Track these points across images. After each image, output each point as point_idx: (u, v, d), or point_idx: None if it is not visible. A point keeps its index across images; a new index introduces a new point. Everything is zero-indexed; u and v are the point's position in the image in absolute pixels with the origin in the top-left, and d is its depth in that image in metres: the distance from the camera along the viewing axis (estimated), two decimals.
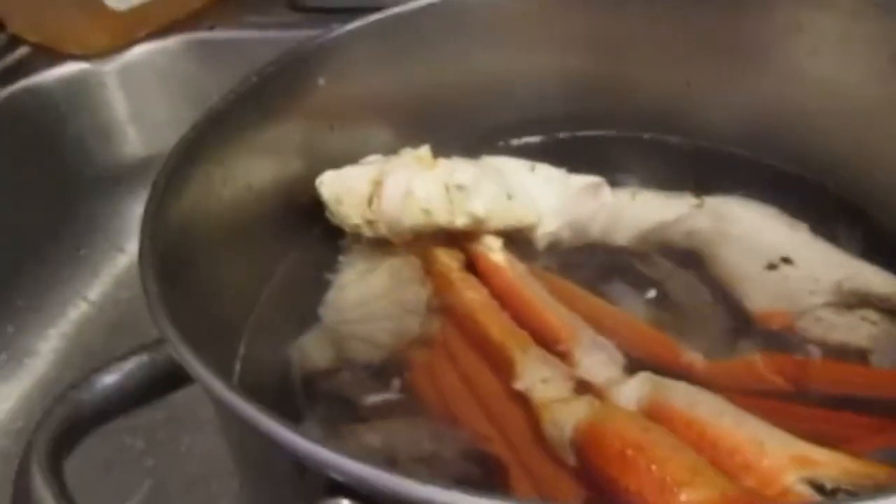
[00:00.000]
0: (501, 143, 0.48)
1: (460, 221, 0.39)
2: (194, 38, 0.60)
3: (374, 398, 0.37)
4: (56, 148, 0.59)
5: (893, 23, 0.36)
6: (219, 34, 0.60)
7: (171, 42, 0.60)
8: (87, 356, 0.54)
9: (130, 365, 0.26)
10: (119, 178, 0.61)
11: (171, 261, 0.28)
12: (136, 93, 0.59)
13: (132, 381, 0.25)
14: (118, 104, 0.59)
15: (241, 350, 0.37)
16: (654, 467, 0.28)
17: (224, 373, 0.36)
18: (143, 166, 0.61)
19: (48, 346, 0.54)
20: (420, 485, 0.20)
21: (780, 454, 0.28)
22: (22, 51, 0.58)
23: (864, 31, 0.37)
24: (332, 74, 0.41)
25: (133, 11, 0.57)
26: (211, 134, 0.34)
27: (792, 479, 0.27)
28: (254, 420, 0.22)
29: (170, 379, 0.26)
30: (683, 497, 0.27)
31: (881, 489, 0.26)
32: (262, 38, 0.60)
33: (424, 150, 0.41)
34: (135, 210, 0.62)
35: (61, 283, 0.58)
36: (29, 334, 0.54)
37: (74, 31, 0.57)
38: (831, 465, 0.28)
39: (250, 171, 0.38)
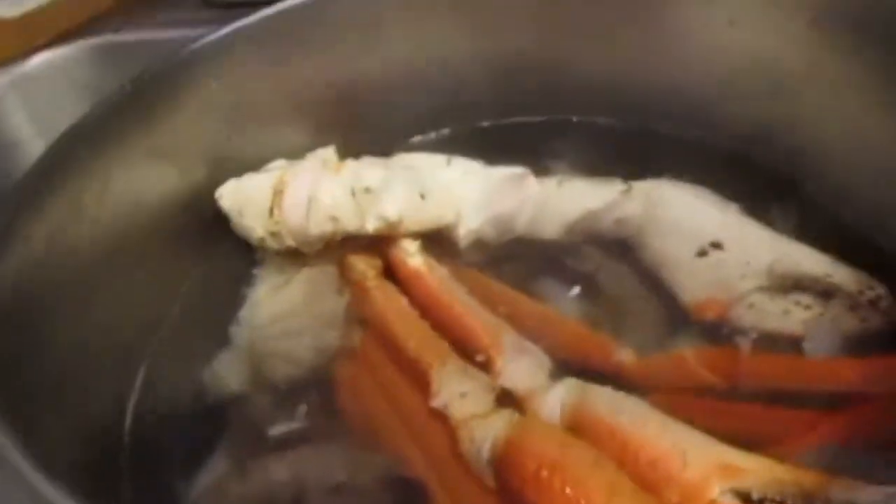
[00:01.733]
0: (418, 138, 0.45)
1: (371, 226, 0.37)
2: (98, 43, 0.56)
3: (288, 423, 0.34)
4: None
5: None
6: (126, 36, 0.57)
7: (74, 48, 0.56)
8: None
9: None
10: None
11: (17, 309, 0.25)
12: (38, 105, 0.55)
13: None
14: (20, 118, 0.55)
15: (138, 381, 0.34)
16: (568, 489, 0.25)
17: (117, 405, 0.34)
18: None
19: None
20: None
21: (704, 464, 0.26)
22: None
23: None
24: (226, 75, 0.38)
25: (27, 17, 0.53)
26: (74, 153, 0.31)
27: (717, 492, 0.25)
28: None
29: None
30: None
31: (807, 497, 0.24)
32: (172, 38, 0.56)
33: (329, 152, 0.38)
34: None
35: None
36: None
37: None
38: (758, 472, 0.26)
39: (137, 186, 0.35)
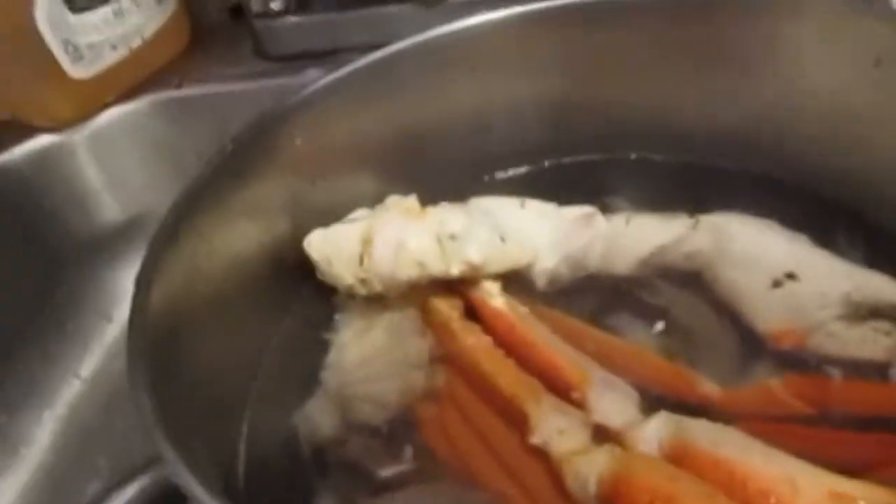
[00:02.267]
0: (487, 178, 0.47)
1: (456, 270, 0.38)
2: (162, 98, 0.58)
3: (388, 464, 0.36)
4: (32, 223, 0.57)
5: (875, 26, 0.35)
6: (187, 91, 0.59)
7: (139, 104, 0.58)
8: (84, 436, 0.52)
9: (130, 492, 0.24)
10: (99, 246, 0.59)
11: (161, 354, 0.27)
12: (108, 159, 0.58)
13: None
14: (91, 172, 0.58)
15: (245, 429, 0.36)
16: None
17: (228, 458, 0.35)
18: (122, 232, 0.60)
19: (44, 430, 0.52)
20: None
21: (815, 492, 0.27)
22: None
23: (847, 35, 0.36)
24: (309, 131, 0.40)
25: (97, 77, 0.56)
26: (190, 212, 0.33)
27: None
28: None
29: (171, 500, 0.25)
30: None
31: None
32: (231, 91, 0.59)
33: (412, 201, 0.40)
34: (119, 277, 0.61)
35: (52, 361, 0.56)
36: (23, 421, 0.52)
37: (40, 103, 0.56)
38: (870, 499, 0.27)
39: (234, 240, 0.37)
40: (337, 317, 0.42)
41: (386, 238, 0.38)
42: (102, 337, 0.59)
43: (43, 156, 0.56)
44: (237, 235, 0.37)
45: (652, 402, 0.35)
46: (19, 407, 0.53)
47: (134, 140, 0.58)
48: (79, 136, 0.57)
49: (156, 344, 0.27)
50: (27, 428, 0.52)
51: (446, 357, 0.39)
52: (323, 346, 0.41)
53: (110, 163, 0.58)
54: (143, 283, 0.28)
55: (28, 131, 0.56)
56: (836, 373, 0.34)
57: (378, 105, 0.43)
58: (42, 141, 0.56)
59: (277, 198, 0.40)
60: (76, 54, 0.53)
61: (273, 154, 0.39)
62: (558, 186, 0.45)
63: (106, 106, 0.58)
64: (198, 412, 0.30)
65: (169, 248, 0.31)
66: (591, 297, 0.41)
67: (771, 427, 0.33)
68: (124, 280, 0.61)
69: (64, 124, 0.57)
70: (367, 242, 0.38)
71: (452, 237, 0.38)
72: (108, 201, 0.59)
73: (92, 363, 0.57)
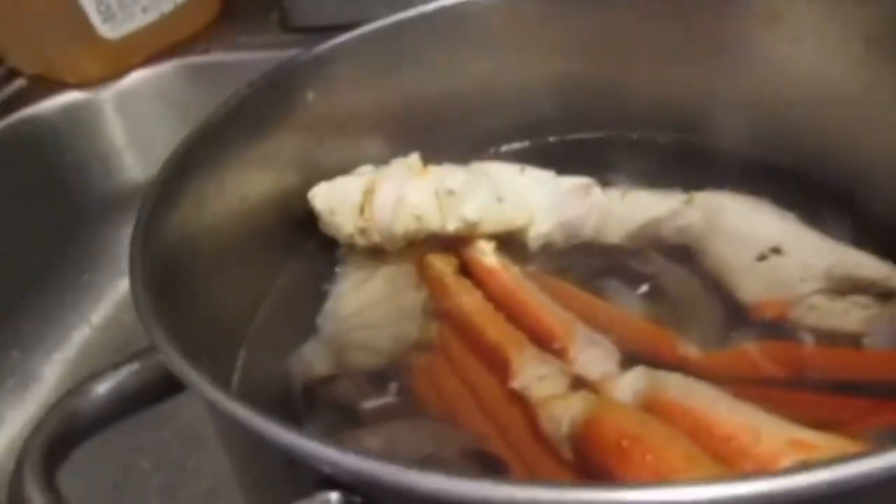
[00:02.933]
0: (492, 150, 0.49)
1: (452, 226, 0.40)
2: (189, 63, 0.61)
3: (373, 402, 0.37)
4: (56, 177, 0.60)
5: (866, 8, 0.36)
6: (213, 57, 0.61)
7: (167, 67, 0.61)
8: None
9: (124, 373, 0.26)
10: (119, 203, 0.62)
11: (162, 271, 0.29)
12: (133, 119, 0.60)
13: (125, 388, 0.26)
14: (116, 131, 0.60)
15: (240, 363, 0.38)
16: (648, 457, 0.28)
17: (221, 382, 0.37)
18: (143, 191, 0.62)
19: (53, 371, 0.55)
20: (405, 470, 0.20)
21: (776, 439, 0.28)
22: (19, 83, 0.60)
23: (841, 16, 0.37)
24: (322, 88, 0.42)
25: (126, 39, 0.58)
26: (202, 146, 0.35)
27: (788, 464, 0.27)
28: (242, 417, 0.23)
29: (162, 386, 0.27)
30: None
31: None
32: (256, 59, 0.61)
33: (414, 159, 0.42)
34: None
35: (66, 308, 0.59)
36: (34, 360, 0.55)
37: (70, 61, 0.58)
38: (827, 448, 0.28)
39: (243, 184, 0.39)
40: (337, 270, 0.44)
41: (387, 190, 0.39)
42: (116, 289, 0.61)
43: (71, 111, 0.59)
44: (246, 179, 0.39)
45: (632, 361, 0.36)
46: (32, 346, 0.55)
47: (159, 102, 0.61)
48: (106, 95, 0.59)
49: (158, 254, 0.29)
50: (38, 366, 0.54)
51: (439, 310, 0.41)
52: (322, 296, 0.43)
53: (135, 123, 0.61)
54: (151, 194, 0.30)
55: (58, 87, 0.59)
56: (810, 340, 0.35)
57: (387, 71, 0.44)
58: (71, 97, 0.59)
59: (287, 150, 0.42)
60: (108, 14, 0.56)
61: (286, 107, 0.40)
62: (560, 161, 0.46)
63: (134, 67, 0.60)
64: (193, 333, 0.31)
65: (178, 173, 0.33)
66: (583, 262, 0.43)
67: (745, 389, 0.34)
68: None
69: (93, 82, 0.59)
70: (369, 193, 0.40)
71: (450, 193, 0.39)
72: (131, 160, 0.61)
73: (103, 313, 0.59)
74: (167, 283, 0.29)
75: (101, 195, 0.61)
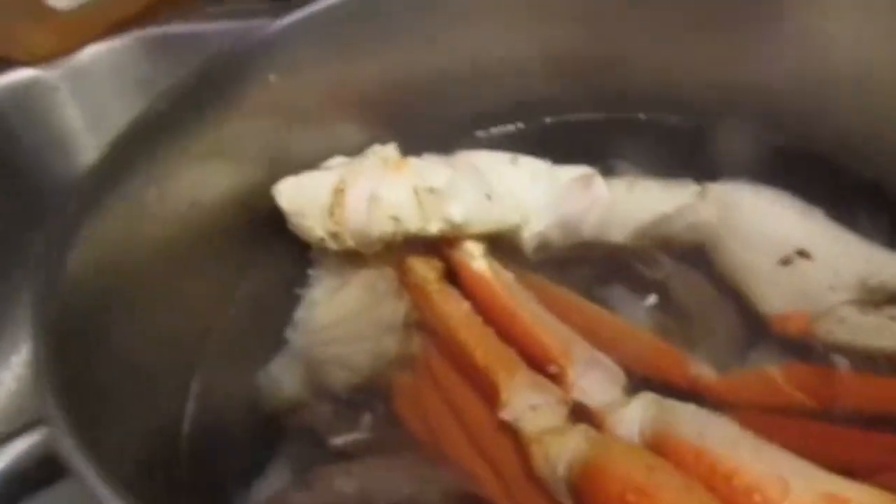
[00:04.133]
0: (481, 133, 0.44)
1: (435, 228, 0.35)
2: (149, 35, 0.55)
3: (350, 433, 0.33)
4: (11, 162, 0.55)
5: None
6: (176, 28, 0.56)
7: (125, 41, 0.55)
8: None
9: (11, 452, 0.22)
10: None
11: (79, 307, 0.24)
12: (90, 97, 0.55)
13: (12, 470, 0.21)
14: (72, 111, 0.55)
15: (195, 388, 0.34)
16: None
17: (176, 411, 0.33)
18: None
19: (11, 374, 0.51)
20: None
21: (807, 493, 0.24)
22: None
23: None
24: (285, 68, 0.37)
25: (79, 11, 0.53)
26: (137, 145, 0.30)
27: None
28: None
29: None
30: None
31: None
32: (223, 30, 0.55)
33: (391, 150, 0.37)
34: None
35: (24, 303, 0.54)
36: None
37: (18, 35, 0.53)
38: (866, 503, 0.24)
39: (194, 184, 0.34)
40: (311, 272, 0.40)
41: (359, 189, 0.35)
42: None
43: (22, 91, 0.54)
44: (199, 179, 0.34)
45: (639, 385, 0.32)
46: None
47: (117, 78, 0.55)
48: (60, 72, 0.54)
49: (77, 289, 0.25)
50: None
51: (423, 322, 0.36)
52: (293, 303, 0.38)
53: (92, 101, 0.55)
54: (59, 231, 0.26)
55: (6, 65, 0.53)
56: (844, 363, 0.31)
57: (360, 48, 0.39)
58: (21, 75, 0.53)
59: (249, 141, 0.37)
60: None
61: (242, 92, 0.35)
62: (559, 145, 0.41)
63: (89, 41, 0.55)
64: (128, 372, 0.27)
65: (104, 188, 0.28)
66: (584, 266, 0.38)
67: (768, 420, 0.30)
68: None
69: (44, 59, 0.54)
70: (339, 192, 0.35)
71: (432, 191, 0.35)
72: (90, 141, 0.56)
73: None
74: (83, 320, 0.25)
75: (60, 180, 0.56)
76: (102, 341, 0.27)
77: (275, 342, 0.37)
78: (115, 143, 0.30)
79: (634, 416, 0.29)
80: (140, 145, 0.30)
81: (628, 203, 0.38)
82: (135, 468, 0.28)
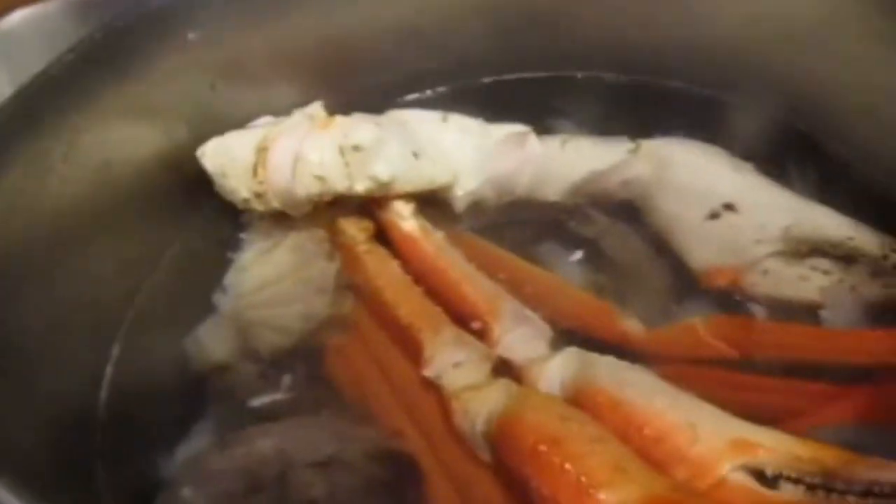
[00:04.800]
0: (414, 96, 0.43)
1: (361, 187, 0.35)
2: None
3: (272, 394, 0.33)
4: None
5: None
6: None
7: (55, 4, 0.53)
8: None
9: None
10: None
11: None
12: (17, 64, 0.53)
13: None
14: (1, 76, 0.53)
15: (115, 352, 0.33)
16: (568, 465, 0.24)
17: (92, 379, 0.32)
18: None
19: None
20: None
21: (716, 439, 0.24)
22: None
23: None
24: (205, 27, 0.35)
25: None
26: (40, 104, 0.29)
27: (728, 468, 0.24)
28: None
29: None
30: (602, 497, 0.23)
31: (828, 476, 0.23)
32: None
33: (316, 108, 0.36)
34: None
35: None
36: None
37: None
38: (774, 448, 0.24)
39: (109, 143, 0.33)
40: (242, 236, 0.39)
41: (283, 147, 0.34)
42: None
43: None
44: (114, 138, 0.33)
45: (567, 340, 0.32)
46: None
47: (46, 43, 0.53)
48: None
49: None
50: None
51: (353, 283, 0.36)
52: (225, 267, 0.37)
53: (20, 69, 0.53)
54: None
55: None
56: (762, 314, 0.31)
57: (285, 7, 0.38)
58: None
59: (171, 100, 0.36)
60: None
61: (159, 48, 0.34)
62: (494, 106, 0.41)
63: (16, 5, 0.53)
64: (42, 334, 0.26)
65: (5, 145, 0.27)
66: (517, 225, 0.38)
67: (691, 371, 0.30)
68: None
69: None
70: (262, 151, 0.34)
71: (356, 149, 0.34)
72: None
73: None
74: None
75: None
76: (7, 311, 0.26)
77: (203, 306, 0.36)
78: (13, 99, 0.28)
79: (556, 369, 0.29)
80: (44, 100, 0.29)
81: (562, 160, 0.38)
82: (48, 441, 0.27)
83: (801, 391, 0.28)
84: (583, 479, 0.23)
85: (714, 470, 0.24)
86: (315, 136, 0.34)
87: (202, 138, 0.37)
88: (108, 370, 0.32)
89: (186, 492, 0.28)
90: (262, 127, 0.36)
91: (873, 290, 0.30)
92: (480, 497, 0.28)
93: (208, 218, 0.39)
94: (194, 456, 0.30)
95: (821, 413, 0.27)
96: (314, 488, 0.27)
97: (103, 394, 0.31)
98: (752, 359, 0.30)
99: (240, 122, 0.38)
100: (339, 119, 0.36)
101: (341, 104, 0.39)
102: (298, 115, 0.36)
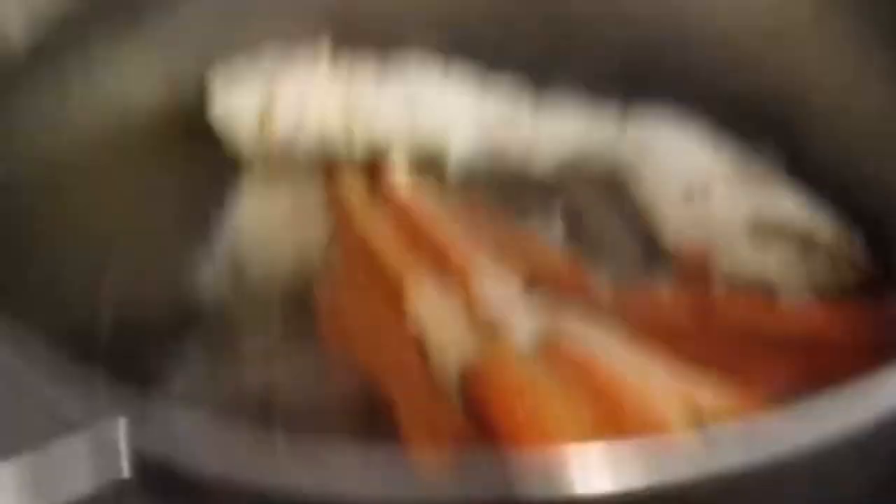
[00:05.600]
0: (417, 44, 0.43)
1: (360, 146, 0.36)
2: None
3: (266, 338, 0.35)
4: None
5: None
6: None
7: None
8: None
9: None
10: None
11: None
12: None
13: None
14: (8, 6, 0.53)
15: (108, 286, 0.34)
16: (531, 416, 0.26)
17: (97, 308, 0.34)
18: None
19: None
20: None
21: (667, 395, 0.27)
22: None
23: None
24: None
25: None
26: (67, 34, 0.30)
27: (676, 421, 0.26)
28: None
29: None
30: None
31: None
32: None
33: (322, 62, 0.37)
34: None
35: None
36: None
37: None
38: (720, 407, 0.26)
39: (125, 78, 0.34)
40: (242, 180, 0.40)
41: (288, 102, 0.36)
42: None
43: None
44: (130, 73, 0.34)
45: (539, 298, 0.34)
46: None
47: None
48: None
49: None
50: None
51: (347, 237, 0.38)
52: (222, 209, 0.39)
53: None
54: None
55: None
56: (726, 290, 0.33)
57: None
58: None
59: (182, 39, 0.37)
60: None
61: None
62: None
63: None
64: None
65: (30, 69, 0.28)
66: (504, 193, 0.40)
67: (651, 334, 0.33)
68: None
69: None
70: (267, 99, 0.36)
71: (358, 109, 0.36)
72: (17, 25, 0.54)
73: None
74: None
75: None
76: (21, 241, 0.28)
77: (199, 245, 0.38)
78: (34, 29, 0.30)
79: (527, 326, 0.31)
80: (71, 30, 0.30)
81: (550, 135, 0.40)
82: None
83: (751, 360, 0.30)
84: (545, 428, 0.26)
85: (664, 423, 0.26)
86: (319, 93, 0.36)
87: (209, 78, 0.38)
88: (104, 304, 0.33)
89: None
90: (268, 73, 0.37)
91: (827, 276, 0.33)
92: (451, 436, 0.30)
93: (211, 165, 0.40)
94: (184, 391, 0.32)
95: (771, 377, 0.29)
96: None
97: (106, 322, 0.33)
98: (710, 329, 0.32)
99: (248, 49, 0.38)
100: (343, 77, 0.37)
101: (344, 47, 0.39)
102: (303, 65, 0.37)
